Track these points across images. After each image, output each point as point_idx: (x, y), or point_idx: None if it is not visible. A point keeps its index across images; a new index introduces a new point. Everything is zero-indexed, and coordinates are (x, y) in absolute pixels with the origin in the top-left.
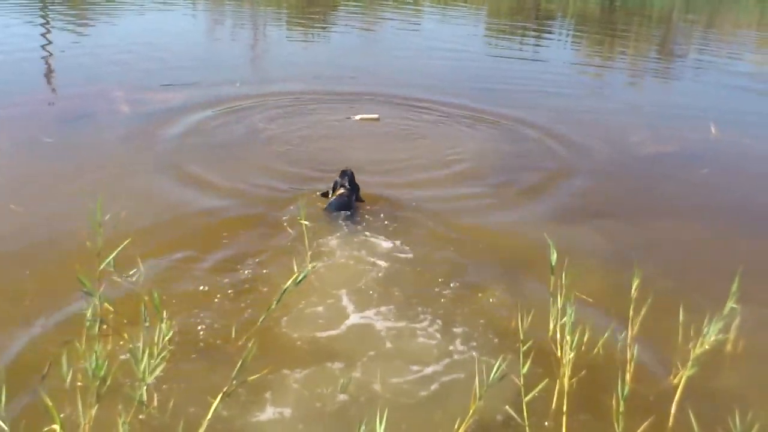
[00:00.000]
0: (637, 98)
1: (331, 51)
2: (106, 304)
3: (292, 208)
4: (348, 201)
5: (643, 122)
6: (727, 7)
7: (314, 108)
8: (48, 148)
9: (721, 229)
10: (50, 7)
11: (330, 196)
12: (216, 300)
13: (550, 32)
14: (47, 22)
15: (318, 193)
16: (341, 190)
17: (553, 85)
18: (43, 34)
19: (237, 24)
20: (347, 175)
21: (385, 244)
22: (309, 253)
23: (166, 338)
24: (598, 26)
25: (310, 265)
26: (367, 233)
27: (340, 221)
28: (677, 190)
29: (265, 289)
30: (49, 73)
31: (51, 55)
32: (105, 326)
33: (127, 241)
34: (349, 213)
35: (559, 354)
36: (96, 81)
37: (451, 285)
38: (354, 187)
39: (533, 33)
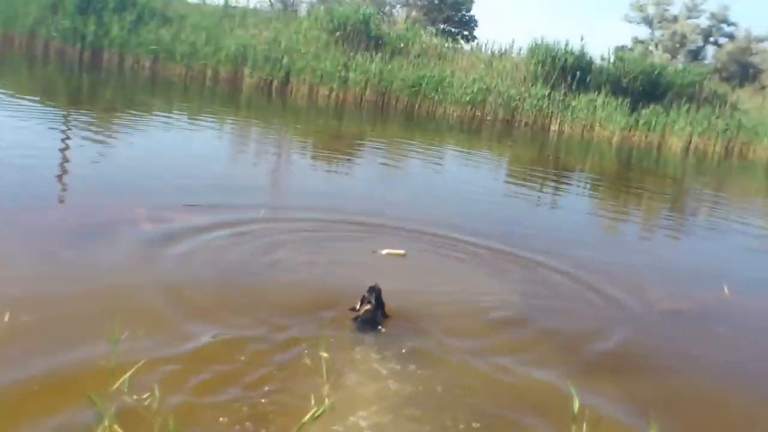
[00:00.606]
0: (651, 254)
1: (356, 183)
2: (116, 427)
3: (310, 335)
4: (373, 316)
5: (658, 278)
6: (735, 175)
7: (340, 238)
8: (66, 262)
9: (737, 388)
10: (73, 117)
11: (358, 309)
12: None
13: (569, 183)
14: (69, 132)
15: (348, 309)
16: (368, 306)
17: (573, 234)
18: (65, 143)
19: (262, 148)
20: (375, 290)
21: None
22: (327, 386)
23: None
24: (614, 181)
25: (327, 401)
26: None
27: (365, 335)
28: (693, 348)
29: (283, 420)
30: (71, 185)
31: (72, 165)
32: None
33: (142, 362)
34: (375, 328)
35: None
36: (118, 196)
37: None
38: (380, 303)
39: (552, 182)
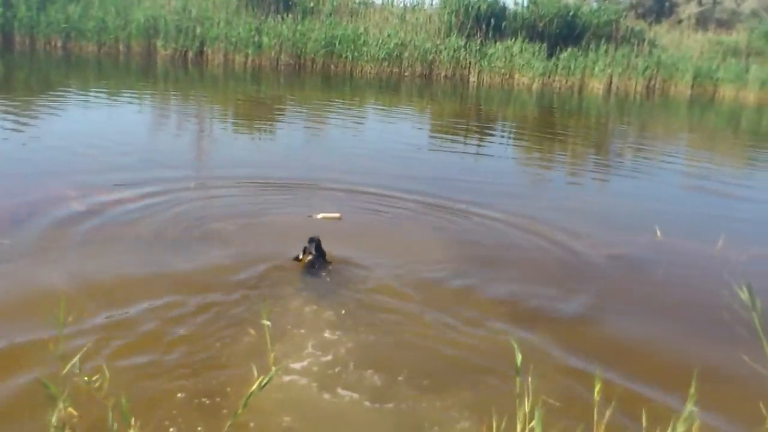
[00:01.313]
0: (581, 199)
1: (281, 148)
2: (70, 409)
3: (252, 302)
4: (316, 263)
5: (590, 224)
6: (658, 113)
7: (272, 203)
8: (5, 250)
9: (676, 330)
10: None
11: (300, 259)
12: (182, 404)
13: (492, 133)
14: None
15: (292, 259)
16: (309, 256)
17: (501, 184)
18: None
19: (183, 120)
20: (314, 240)
21: (351, 327)
22: (272, 354)
23: None
24: (537, 128)
25: (273, 369)
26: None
27: (307, 288)
28: (630, 293)
29: (230, 390)
30: None
31: None
32: None
33: (89, 342)
34: (318, 275)
35: None
36: (46, 180)
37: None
38: (321, 252)
39: (476, 134)
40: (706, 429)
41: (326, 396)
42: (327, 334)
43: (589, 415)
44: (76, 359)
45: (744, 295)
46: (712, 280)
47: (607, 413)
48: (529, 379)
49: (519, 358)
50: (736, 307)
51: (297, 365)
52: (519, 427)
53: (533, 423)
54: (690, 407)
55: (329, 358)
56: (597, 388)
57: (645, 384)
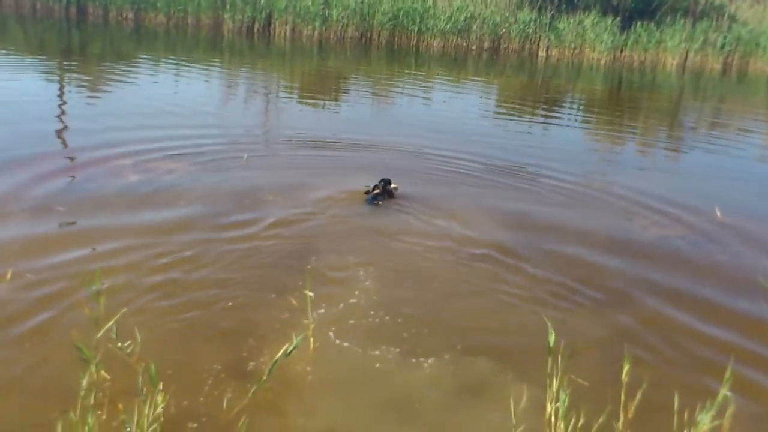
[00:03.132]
0: (647, 176)
1: (352, 116)
2: (103, 373)
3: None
4: (378, 195)
5: (651, 201)
6: (734, 91)
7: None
8: (60, 217)
9: (715, 314)
10: (66, 69)
11: (371, 191)
12: (213, 370)
13: (560, 108)
14: (62, 86)
15: (363, 191)
16: (377, 190)
17: (567, 157)
18: (59, 96)
19: (250, 91)
20: (384, 180)
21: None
22: (311, 326)
23: (159, 410)
24: (605, 105)
25: (312, 340)
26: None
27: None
28: (675, 272)
29: (266, 359)
30: (61, 138)
31: (64, 118)
32: (101, 395)
33: (123, 310)
34: (376, 203)
35: None
36: (107, 148)
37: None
38: (386, 190)
39: (544, 108)
40: (741, 415)
41: (360, 352)
42: (366, 282)
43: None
44: (109, 325)
45: None
46: (757, 265)
47: (638, 393)
48: (559, 359)
49: (552, 337)
50: None
51: (333, 319)
52: (548, 407)
53: (558, 404)
54: (724, 392)
55: (365, 310)
56: (626, 369)
57: (679, 366)
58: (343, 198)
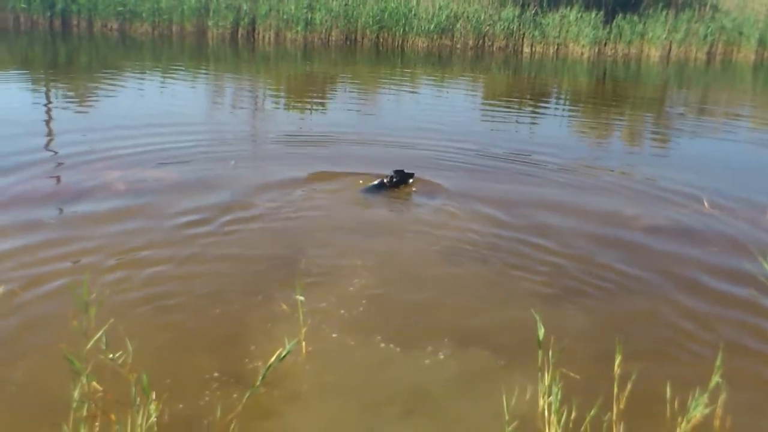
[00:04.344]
0: (633, 165)
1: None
2: (94, 383)
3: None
4: (384, 184)
5: (638, 192)
6: (718, 80)
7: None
8: (47, 229)
9: (705, 305)
10: (52, 80)
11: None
12: (206, 377)
13: (546, 103)
14: (48, 96)
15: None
16: (386, 179)
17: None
18: (45, 107)
19: (236, 96)
20: (397, 171)
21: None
22: (303, 330)
23: (153, 419)
24: (589, 98)
25: (303, 345)
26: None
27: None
28: (662, 265)
29: (256, 364)
30: (49, 149)
31: (51, 129)
32: (94, 406)
33: (111, 320)
34: (381, 192)
35: None
36: (95, 158)
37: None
38: (397, 181)
39: (530, 103)
40: (733, 403)
41: (353, 352)
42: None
43: (610, 388)
44: (98, 335)
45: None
46: (745, 253)
47: (629, 384)
48: (550, 352)
49: (541, 331)
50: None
51: (325, 319)
52: (540, 401)
53: (551, 398)
54: (716, 380)
55: (356, 308)
56: (617, 360)
57: (670, 358)
58: (332, 191)
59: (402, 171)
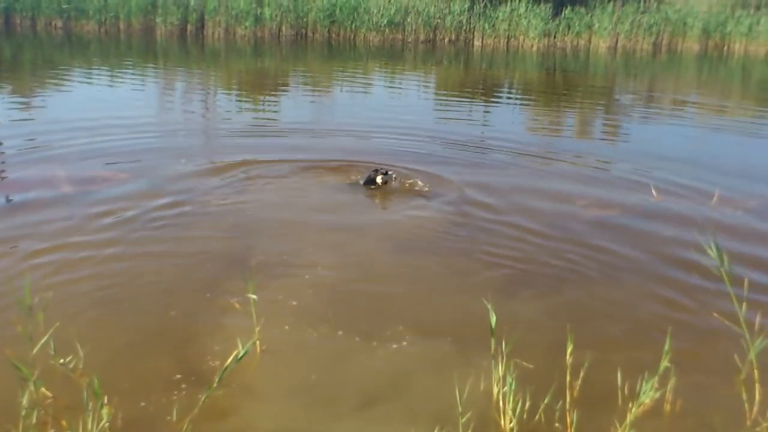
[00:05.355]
0: (586, 156)
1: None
2: (43, 389)
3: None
4: (373, 178)
5: (588, 183)
6: (664, 70)
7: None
8: None
9: (653, 292)
10: None
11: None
12: (160, 379)
13: (499, 95)
14: None
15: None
16: (372, 174)
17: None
18: None
19: (187, 95)
20: (378, 171)
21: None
22: (257, 328)
23: (105, 424)
24: (541, 89)
25: (258, 344)
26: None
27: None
28: (618, 256)
29: (212, 366)
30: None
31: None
32: (44, 413)
33: (57, 324)
34: (371, 186)
35: (501, 423)
36: (39, 157)
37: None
38: (380, 178)
39: (482, 96)
40: (681, 385)
41: (307, 349)
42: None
43: (562, 377)
44: (44, 339)
45: (713, 253)
46: (693, 240)
47: (582, 372)
48: (503, 342)
49: (494, 319)
50: (707, 265)
51: (279, 316)
52: (495, 391)
53: (505, 388)
54: (664, 364)
55: (311, 303)
56: (569, 350)
57: (619, 345)
58: (287, 183)
59: (380, 170)
